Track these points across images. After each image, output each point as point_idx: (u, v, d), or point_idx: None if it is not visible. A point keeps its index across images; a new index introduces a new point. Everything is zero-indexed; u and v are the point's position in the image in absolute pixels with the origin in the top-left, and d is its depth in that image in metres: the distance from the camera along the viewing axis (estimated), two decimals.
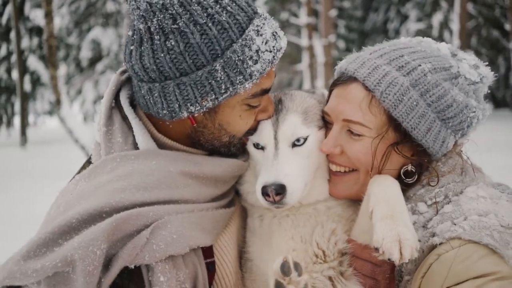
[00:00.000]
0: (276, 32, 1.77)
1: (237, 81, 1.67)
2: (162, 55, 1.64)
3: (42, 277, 1.39)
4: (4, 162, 17.70)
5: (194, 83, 1.66)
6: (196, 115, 1.74)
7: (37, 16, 25.50)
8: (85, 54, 30.47)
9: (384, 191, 1.68)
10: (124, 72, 1.92)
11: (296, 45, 23.76)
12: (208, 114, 1.76)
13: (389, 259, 1.51)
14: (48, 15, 16.55)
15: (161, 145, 1.81)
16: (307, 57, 20.77)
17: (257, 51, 1.68)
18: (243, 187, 2.02)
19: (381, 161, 1.83)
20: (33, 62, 25.83)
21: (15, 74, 25.55)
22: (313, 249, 1.86)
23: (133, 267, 1.53)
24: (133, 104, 1.89)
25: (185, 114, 1.71)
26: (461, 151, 1.92)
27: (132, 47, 1.71)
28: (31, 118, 39.08)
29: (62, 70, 31.49)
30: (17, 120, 29.86)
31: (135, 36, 1.70)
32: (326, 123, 1.99)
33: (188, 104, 1.69)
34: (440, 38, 23.79)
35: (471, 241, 1.57)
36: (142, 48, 1.68)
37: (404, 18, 26.46)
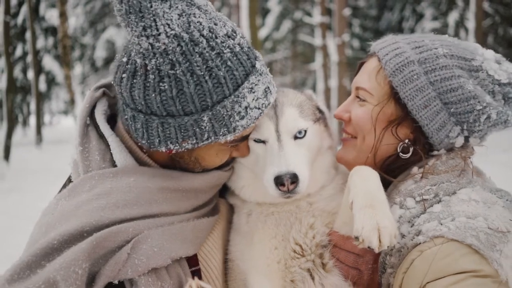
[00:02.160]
0: (268, 88, 1.80)
1: (221, 133, 1.70)
2: (153, 94, 1.63)
3: None
4: (19, 161, 17.86)
5: (178, 125, 1.67)
6: (173, 151, 1.76)
7: (52, 16, 25.76)
8: (100, 54, 30.70)
9: (364, 183, 1.70)
10: (98, 88, 1.92)
11: (309, 44, 23.72)
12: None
13: (368, 247, 1.54)
14: (63, 15, 16.72)
15: (140, 162, 1.82)
16: (320, 56, 20.71)
17: (246, 107, 1.71)
18: (236, 183, 2.04)
19: (380, 135, 1.90)
20: (48, 62, 26.09)
21: (30, 74, 25.78)
22: (291, 245, 1.90)
23: (117, 282, 1.55)
24: (110, 119, 1.89)
25: (163, 149, 1.74)
26: (469, 158, 1.90)
27: (124, 75, 1.69)
28: (46, 118, 39.56)
29: (77, 69, 31.80)
30: (32, 120, 30.21)
31: (129, 66, 1.68)
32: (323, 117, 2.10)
33: (168, 142, 1.71)
34: (456, 37, 23.52)
35: (454, 240, 1.58)
36: (135, 80, 1.66)
37: (420, 16, 26.23)
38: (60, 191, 1.81)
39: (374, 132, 1.91)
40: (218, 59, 1.64)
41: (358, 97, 1.99)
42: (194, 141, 1.70)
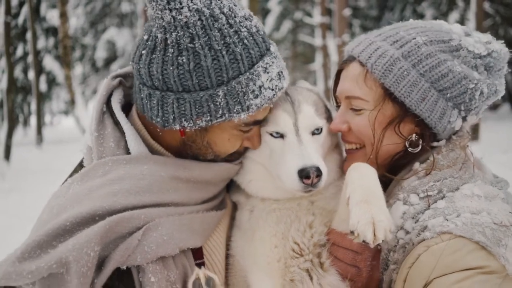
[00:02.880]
0: (281, 72, 1.83)
1: (235, 110, 1.72)
2: (171, 68, 1.68)
3: (37, 278, 1.41)
4: (20, 161, 17.88)
5: (193, 101, 1.70)
6: (187, 130, 1.78)
7: (53, 17, 25.76)
8: (101, 54, 30.75)
9: (361, 178, 1.71)
10: (115, 77, 1.96)
11: (309, 44, 23.73)
12: (199, 131, 1.81)
13: (363, 241, 1.54)
14: (63, 16, 16.72)
15: (153, 151, 1.85)
16: (320, 56, 20.73)
17: (260, 87, 1.74)
18: (244, 177, 2.05)
19: (381, 134, 1.89)
20: (49, 62, 26.09)
21: (31, 74, 25.81)
22: (290, 244, 1.90)
23: (124, 268, 1.57)
24: (124, 109, 1.92)
25: (177, 127, 1.76)
26: (467, 145, 1.92)
27: (143, 51, 1.74)
28: (47, 118, 39.57)
29: (78, 70, 31.81)
30: (33, 120, 30.24)
31: (149, 42, 1.73)
32: (330, 116, 2.09)
33: (183, 119, 1.73)
34: None
35: (461, 236, 1.59)
36: (154, 55, 1.71)
37: (420, 17, 26.21)
38: (71, 175, 1.84)
39: (384, 136, 1.91)
40: (235, 36, 1.70)
41: (352, 108, 1.96)
42: (208, 118, 1.72)
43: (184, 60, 1.66)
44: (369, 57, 1.87)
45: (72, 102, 17.80)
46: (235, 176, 2.06)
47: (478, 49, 1.85)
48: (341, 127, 2.00)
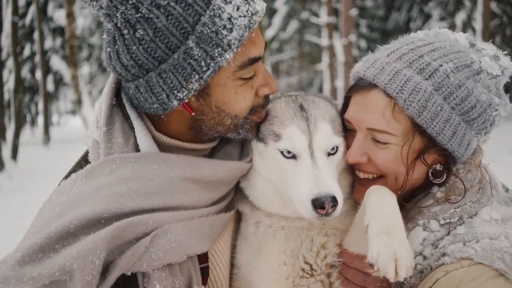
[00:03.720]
0: None
1: (216, 54, 1.59)
2: (135, 47, 1.59)
3: (38, 285, 1.35)
4: (27, 160, 17.95)
5: (174, 67, 1.60)
6: (186, 100, 1.68)
7: (60, 17, 25.87)
8: None
9: (381, 205, 1.62)
10: None
11: (316, 44, 23.68)
12: (201, 98, 1.71)
13: (384, 277, 1.47)
14: (70, 16, 16.79)
15: (159, 144, 1.78)
16: (327, 56, 20.67)
17: (229, 19, 1.59)
18: (252, 192, 1.96)
19: (409, 169, 1.81)
20: (56, 62, 26.19)
21: (38, 74, 25.93)
22: (300, 263, 1.84)
23: (129, 274, 1.52)
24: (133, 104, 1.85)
25: (175, 103, 1.66)
26: (480, 163, 1.88)
27: (109, 49, 1.67)
28: (54, 118, 39.69)
29: (85, 70, 31.92)
30: (40, 119, 30.35)
31: (108, 38, 1.67)
32: (345, 130, 1.96)
33: (175, 91, 1.63)
34: None
35: (481, 263, 1.56)
36: (116, 46, 1.64)
37: (427, 17, 26.11)
38: (73, 170, 1.77)
39: (411, 170, 1.83)
40: None
41: (375, 139, 1.85)
42: (197, 77, 1.61)
43: (142, 33, 1.57)
44: (400, 90, 1.75)
45: (78, 102, 17.89)
46: (243, 183, 1.97)
47: (494, 69, 1.81)
48: (360, 159, 1.88)
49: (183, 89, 1.63)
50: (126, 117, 1.78)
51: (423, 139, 1.79)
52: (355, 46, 21.62)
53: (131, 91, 1.72)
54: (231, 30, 1.59)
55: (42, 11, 25.38)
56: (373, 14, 28.25)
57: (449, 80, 1.75)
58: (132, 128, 1.77)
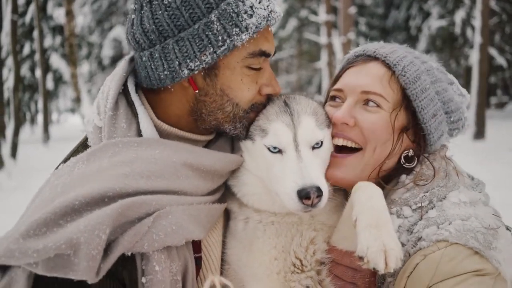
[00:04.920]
0: None
1: (233, 33, 1.72)
2: (160, 12, 1.71)
3: (42, 257, 1.34)
4: (26, 158, 17.95)
5: (192, 37, 1.71)
6: (196, 72, 1.75)
7: (60, 15, 25.86)
8: (107, 52, 30.82)
9: (368, 200, 1.65)
10: (132, 60, 1.94)
11: (315, 42, 23.67)
12: (208, 78, 1.78)
13: (373, 268, 1.49)
14: (69, 14, 16.78)
15: (160, 132, 1.83)
16: (326, 55, 20.68)
17: (251, 6, 1.74)
18: (241, 189, 1.98)
19: (395, 143, 1.91)
20: (56, 60, 26.21)
21: (38, 72, 25.95)
22: (291, 258, 1.86)
23: (128, 255, 1.51)
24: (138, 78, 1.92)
25: (186, 72, 1.74)
26: (445, 155, 1.97)
27: (133, 16, 1.79)
28: (54, 116, 39.73)
29: (84, 68, 31.92)
30: (40, 118, 30.38)
31: (136, 5, 1.79)
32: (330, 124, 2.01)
33: (188, 60, 1.73)
34: (463, 35, 23.47)
35: (456, 243, 1.64)
36: (142, 12, 1.76)
37: (426, 15, 26.13)
38: (72, 154, 1.80)
39: (390, 141, 1.90)
40: None
41: (366, 103, 1.93)
42: (212, 50, 1.71)
43: (170, 0, 1.71)
44: (399, 60, 1.90)
45: (78, 100, 17.90)
46: (231, 181, 1.99)
47: (460, 89, 2.03)
48: (348, 120, 1.92)
49: (196, 59, 1.73)
50: (130, 104, 1.84)
51: (407, 115, 1.91)
52: (354, 44, 21.63)
53: (143, 59, 1.80)
54: (251, 16, 1.73)
55: (42, 10, 25.40)
56: (373, 12, 28.30)
57: (434, 72, 1.95)
58: (135, 114, 1.82)
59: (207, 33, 1.70)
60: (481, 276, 1.60)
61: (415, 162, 1.92)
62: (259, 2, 1.76)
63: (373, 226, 1.56)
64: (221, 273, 1.93)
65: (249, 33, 1.73)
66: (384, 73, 1.91)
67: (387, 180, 1.94)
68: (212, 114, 1.84)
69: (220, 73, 1.78)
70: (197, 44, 1.71)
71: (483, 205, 1.84)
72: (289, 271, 1.85)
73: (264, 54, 1.83)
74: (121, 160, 1.63)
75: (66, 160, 1.77)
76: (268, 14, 1.78)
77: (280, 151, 1.87)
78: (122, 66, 1.90)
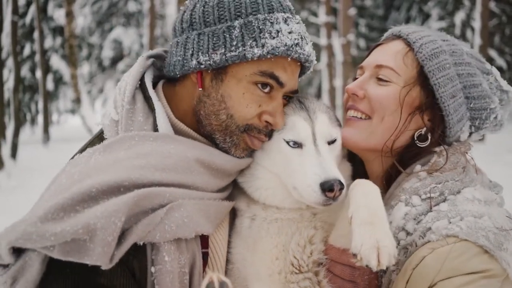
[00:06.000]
0: (306, 38, 1.88)
1: (248, 44, 1.76)
2: (199, 5, 1.85)
3: (60, 241, 1.37)
4: (26, 159, 17.95)
5: (212, 33, 1.81)
6: (203, 67, 1.81)
7: (60, 16, 25.87)
8: (107, 53, 30.86)
9: (364, 197, 1.66)
10: (149, 57, 2.01)
11: (315, 44, 23.60)
12: (215, 80, 1.84)
13: (366, 266, 1.50)
14: (69, 15, 16.78)
15: (176, 130, 1.88)
16: (325, 56, 20.68)
17: (278, 31, 1.79)
18: (254, 183, 1.99)
19: (406, 120, 1.90)
20: (56, 61, 26.21)
21: (38, 73, 25.95)
22: (290, 257, 1.86)
23: (140, 244, 1.55)
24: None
25: (194, 63, 1.82)
26: (466, 152, 1.94)
27: (185, 5, 1.94)
28: (54, 117, 39.72)
29: (85, 69, 31.92)
30: (40, 118, 30.38)
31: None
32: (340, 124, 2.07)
33: (200, 53, 1.81)
34: (463, 37, 23.46)
35: (466, 240, 1.61)
36: (188, 2, 1.93)
37: (426, 16, 26.16)
38: (87, 146, 1.85)
39: (397, 113, 1.91)
40: None
41: (379, 77, 1.96)
42: (223, 51, 1.77)
43: None
44: (420, 38, 1.91)
45: (78, 101, 17.90)
46: (241, 178, 2.02)
47: (502, 82, 1.97)
48: (358, 91, 1.99)
49: (207, 54, 1.80)
50: (147, 99, 1.89)
51: (422, 93, 1.90)
52: (354, 45, 21.65)
53: (171, 45, 1.94)
54: (273, 38, 1.78)
55: (42, 11, 25.42)
56: (373, 14, 28.30)
57: (463, 56, 1.92)
58: (152, 109, 1.87)
59: (225, 34, 1.78)
60: (489, 278, 1.58)
61: (428, 141, 1.90)
62: (289, 32, 1.80)
63: (367, 223, 1.56)
64: (226, 273, 1.93)
65: (263, 51, 1.76)
66: (401, 49, 1.94)
67: (402, 166, 1.92)
68: (207, 118, 1.87)
69: (227, 79, 1.83)
70: (213, 41, 1.79)
71: (498, 206, 1.82)
72: (289, 271, 1.86)
73: (277, 81, 1.83)
74: (137, 153, 1.67)
75: (82, 150, 1.81)
76: (292, 46, 1.80)
77: (299, 146, 1.90)
78: (139, 62, 1.97)
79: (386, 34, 2.11)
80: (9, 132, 17.11)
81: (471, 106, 1.90)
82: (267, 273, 1.86)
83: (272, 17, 1.80)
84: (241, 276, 1.92)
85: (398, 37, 2.00)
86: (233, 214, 2.07)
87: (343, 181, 1.78)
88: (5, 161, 15.17)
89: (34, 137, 29.17)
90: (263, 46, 1.76)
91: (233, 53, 1.77)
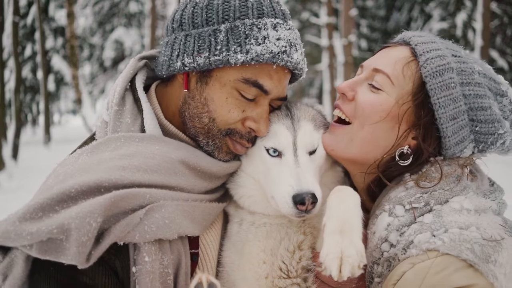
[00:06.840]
0: (295, 45, 1.84)
1: (233, 49, 1.75)
2: (189, 6, 1.86)
3: (35, 240, 1.40)
4: (28, 160, 17.99)
5: (198, 36, 1.81)
6: (187, 69, 1.82)
7: (61, 17, 25.95)
8: (108, 54, 30.89)
9: (339, 205, 1.63)
10: (141, 58, 2.01)
11: (316, 45, 23.68)
12: (200, 83, 1.85)
13: (330, 276, 1.46)
14: (70, 16, 16.80)
15: (165, 132, 1.89)
16: (327, 57, 20.69)
17: (264, 37, 1.77)
18: (237, 191, 2.00)
19: (402, 135, 1.79)
20: (57, 62, 26.26)
21: (39, 74, 25.98)
22: (278, 262, 1.85)
23: (121, 244, 1.57)
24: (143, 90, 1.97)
25: (179, 64, 1.82)
26: (465, 166, 1.82)
27: (178, 5, 1.94)
28: (55, 117, 39.77)
29: (86, 69, 31.96)
30: (41, 119, 30.41)
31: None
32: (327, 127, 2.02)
33: (185, 55, 1.82)
34: (464, 38, 23.45)
35: (448, 254, 1.53)
36: (181, 2, 1.93)
37: (428, 17, 26.11)
38: (80, 147, 1.86)
39: (379, 127, 1.82)
40: None
41: (372, 84, 1.86)
42: (207, 54, 1.77)
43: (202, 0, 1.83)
44: (427, 51, 1.78)
45: (79, 102, 17.92)
46: (229, 184, 2.02)
47: None
48: (348, 91, 1.91)
49: (192, 56, 1.80)
50: (136, 100, 1.90)
51: (422, 111, 1.77)
52: (355, 46, 21.65)
53: (162, 49, 1.93)
54: (259, 44, 1.76)
55: (44, 11, 25.45)
56: (374, 14, 28.27)
57: (473, 75, 1.78)
58: (140, 111, 1.88)
59: (211, 38, 1.78)
60: None
61: (409, 160, 1.80)
62: (277, 39, 1.78)
63: (337, 233, 1.53)
64: (217, 275, 1.93)
65: (246, 57, 1.75)
66: (404, 57, 1.83)
67: (390, 177, 1.85)
68: (191, 120, 1.88)
69: (211, 83, 1.83)
70: (199, 44, 1.79)
71: (492, 213, 1.72)
72: (276, 276, 1.85)
73: (261, 88, 1.82)
74: (122, 154, 1.68)
75: (75, 150, 1.83)
76: (279, 53, 1.77)
77: (279, 155, 1.89)
78: (130, 63, 1.98)
79: (397, 37, 1.98)
80: (10, 132, 17.14)
81: (476, 129, 1.77)
82: (254, 277, 1.86)
83: (260, 22, 1.78)
84: (230, 280, 1.92)
85: (407, 43, 1.88)
86: (227, 218, 2.07)
87: (317, 194, 1.76)
88: (6, 162, 15.18)
89: (35, 138, 29.22)
90: (247, 52, 1.75)
91: (216, 57, 1.76)
